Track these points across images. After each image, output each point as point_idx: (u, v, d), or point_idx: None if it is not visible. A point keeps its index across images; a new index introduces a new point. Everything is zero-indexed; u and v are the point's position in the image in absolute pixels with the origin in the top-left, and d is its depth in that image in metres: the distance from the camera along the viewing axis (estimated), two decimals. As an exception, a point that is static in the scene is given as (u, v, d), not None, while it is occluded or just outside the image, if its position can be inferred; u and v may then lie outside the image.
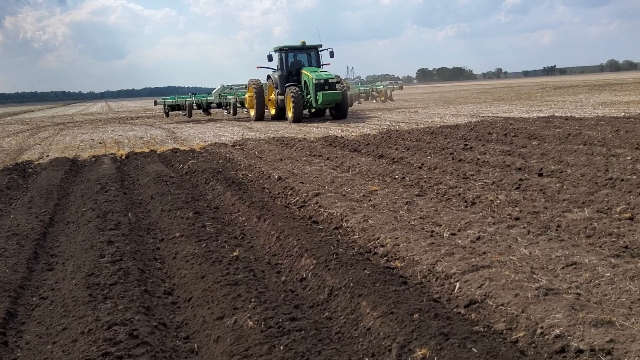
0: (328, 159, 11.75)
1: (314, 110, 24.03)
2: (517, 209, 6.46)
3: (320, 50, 24.74)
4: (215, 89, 29.43)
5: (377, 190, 7.91)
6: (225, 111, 29.29)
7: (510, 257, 4.91)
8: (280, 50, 24.13)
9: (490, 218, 6.09)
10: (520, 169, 8.93)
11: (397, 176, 9.07)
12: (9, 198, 9.32)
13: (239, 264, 4.84)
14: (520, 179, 7.84)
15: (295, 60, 24.42)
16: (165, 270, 5.28)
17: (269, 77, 25.20)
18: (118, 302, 4.10)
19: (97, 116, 42.54)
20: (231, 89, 29.30)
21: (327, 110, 24.67)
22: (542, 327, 3.47)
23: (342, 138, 15.34)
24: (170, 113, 29.99)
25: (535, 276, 4.40)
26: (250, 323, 3.60)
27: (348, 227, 6.21)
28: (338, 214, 6.63)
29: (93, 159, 13.82)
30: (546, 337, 3.39)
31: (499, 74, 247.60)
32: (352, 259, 4.88)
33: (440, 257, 4.78)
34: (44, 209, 7.84)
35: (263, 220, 6.54)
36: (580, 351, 3.18)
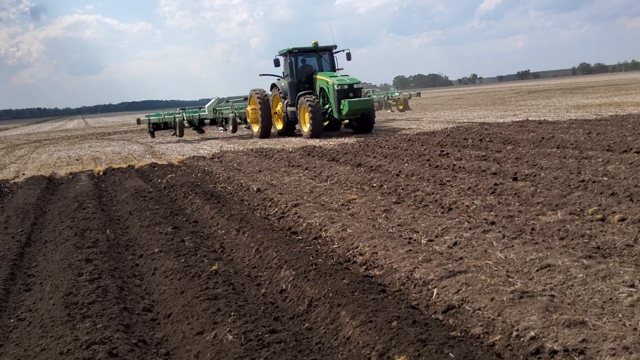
0: (307, 169, 11.80)
1: (326, 123, 20.06)
2: (492, 213, 6.57)
3: (335, 52, 20.75)
4: (210, 101, 24.35)
5: (355, 199, 7.98)
6: (222, 128, 23.91)
7: (486, 261, 5.00)
8: (289, 53, 20.08)
9: (466, 223, 6.19)
10: (495, 173, 9.07)
11: (375, 184, 9.15)
12: (-16, 219, 9.18)
13: (218, 278, 4.85)
14: (496, 184, 7.97)
15: (305, 65, 20.54)
16: (144, 286, 5.26)
17: (274, 85, 21.43)
18: (97, 321, 4.08)
19: (73, 132, 42.09)
20: (227, 101, 24.49)
21: (343, 123, 20.84)
22: (517, 330, 3.55)
23: (321, 148, 15.41)
24: (157, 132, 24.13)
25: (510, 280, 4.49)
26: (230, 337, 3.62)
27: (327, 236, 6.25)
28: (317, 223, 6.67)
29: (70, 176, 13.67)
30: (522, 339, 3.46)
31: (474, 79, 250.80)
32: (331, 268, 4.92)
33: (418, 264, 4.84)
34: (20, 229, 7.75)
35: (242, 233, 6.55)
36: (554, 352, 3.25)
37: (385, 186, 8.88)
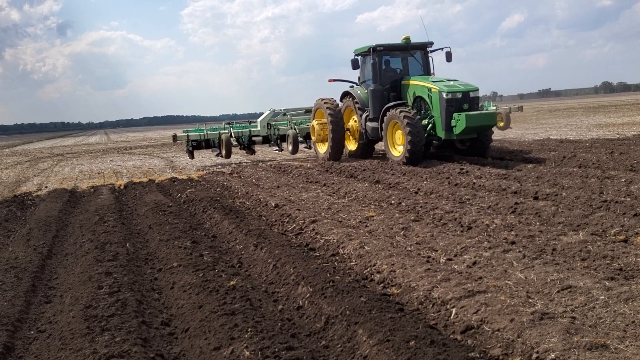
0: (325, 185, 11.81)
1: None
2: (512, 233, 6.51)
3: (431, 52, 15.93)
4: (263, 114, 19.43)
5: (373, 216, 7.96)
6: (276, 148, 18.91)
7: (506, 281, 4.94)
8: (372, 51, 15.25)
9: (486, 242, 6.13)
10: (515, 192, 8.99)
11: (393, 201, 9.12)
12: (7, 230, 9.34)
13: (236, 293, 4.86)
14: (516, 203, 7.89)
15: (389, 67, 15.92)
16: (162, 300, 5.29)
17: (346, 94, 16.87)
18: (115, 334, 4.11)
19: (95, 146, 42.72)
20: (285, 115, 19.81)
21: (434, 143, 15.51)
22: (537, 352, 3.49)
23: (339, 164, 15.42)
24: (196, 152, 19.15)
25: (530, 300, 4.43)
26: (247, 353, 3.62)
27: (344, 253, 6.24)
28: (334, 240, 6.67)
29: (92, 190, 13.86)
30: (542, 361, 3.41)
31: (494, 97, 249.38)
32: (348, 286, 4.90)
33: (436, 283, 4.80)
34: (42, 241, 7.86)
35: (260, 249, 6.57)
36: (575, 375, 3.19)
37: (403, 204, 8.85)
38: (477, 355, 3.63)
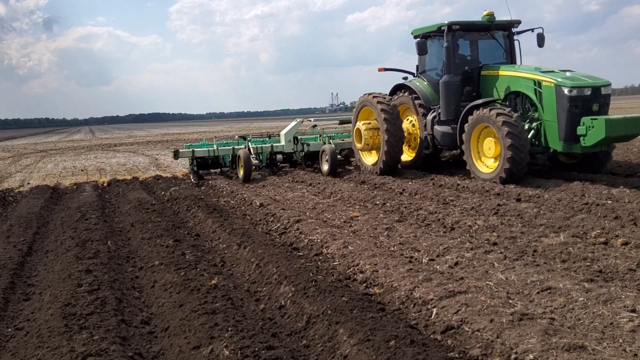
0: (310, 185, 11.80)
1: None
2: (494, 234, 6.55)
3: (517, 34, 11.91)
4: (289, 125, 15.13)
5: (357, 216, 7.96)
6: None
7: (487, 282, 4.97)
8: (448, 30, 11.32)
9: (468, 243, 6.16)
10: (498, 194, 9.05)
11: (378, 202, 9.14)
12: (-13, 227, 9.21)
13: (217, 292, 4.84)
14: (499, 204, 7.94)
15: (457, 53, 11.75)
16: (143, 299, 5.25)
17: (400, 88, 12.98)
18: (94, 333, 4.07)
19: (80, 143, 42.31)
20: (315, 126, 15.69)
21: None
22: (516, 353, 3.52)
23: (325, 164, 15.39)
24: (202, 171, 14.87)
25: (510, 301, 4.46)
26: (227, 352, 3.60)
27: (328, 253, 6.24)
28: (318, 240, 6.66)
29: (74, 187, 13.73)
30: (520, 362, 3.43)
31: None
32: (331, 285, 4.90)
33: (418, 283, 4.82)
34: (22, 238, 7.77)
35: (243, 248, 6.54)
36: (553, 376, 3.21)
37: (388, 204, 8.87)
38: (457, 355, 3.64)
